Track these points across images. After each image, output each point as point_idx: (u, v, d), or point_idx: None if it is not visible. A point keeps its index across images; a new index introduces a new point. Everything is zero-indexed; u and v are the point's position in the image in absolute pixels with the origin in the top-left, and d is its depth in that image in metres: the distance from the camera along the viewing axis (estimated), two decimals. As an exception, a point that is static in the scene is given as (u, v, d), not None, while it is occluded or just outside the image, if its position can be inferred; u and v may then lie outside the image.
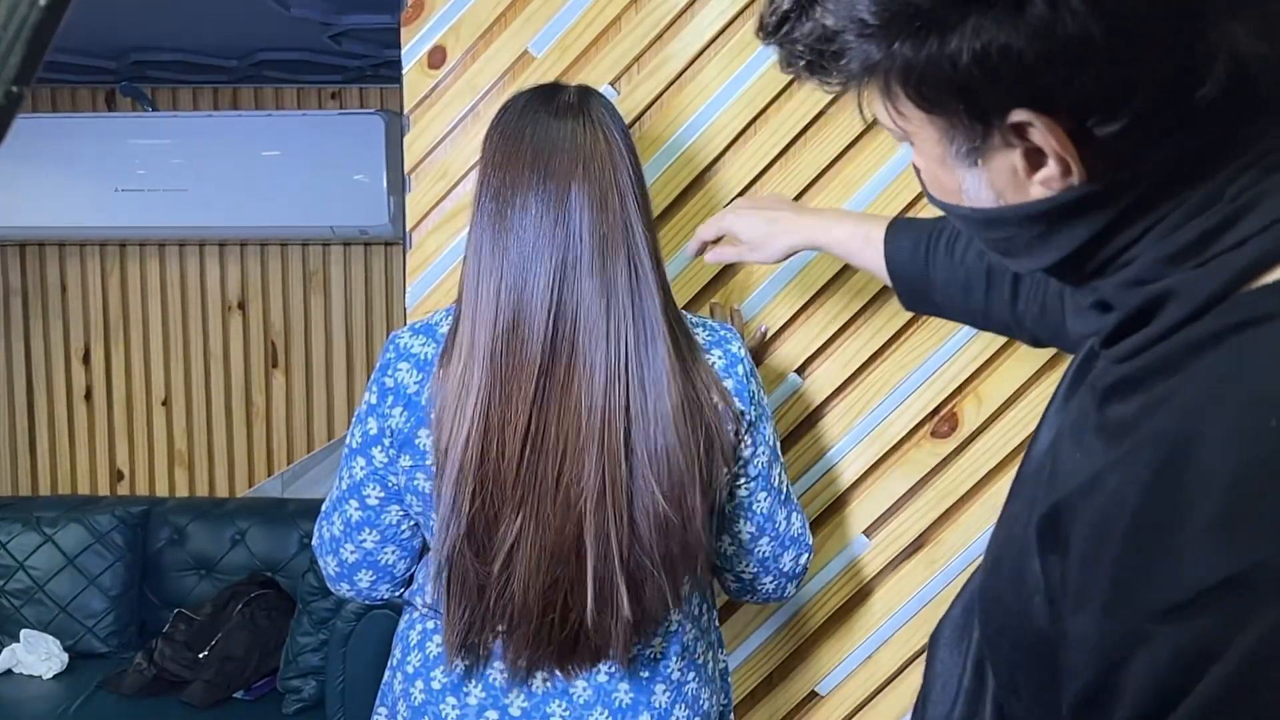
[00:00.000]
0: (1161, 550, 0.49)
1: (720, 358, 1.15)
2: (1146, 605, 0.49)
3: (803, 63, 0.58)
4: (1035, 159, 0.55)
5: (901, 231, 1.09)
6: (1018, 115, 0.52)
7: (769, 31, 0.59)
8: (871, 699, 1.53)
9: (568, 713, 1.13)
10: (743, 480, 1.16)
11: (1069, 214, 0.56)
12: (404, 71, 1.47)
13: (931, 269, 1.05)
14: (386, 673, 1.24)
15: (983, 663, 0.73)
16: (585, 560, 1.05)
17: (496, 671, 1.14)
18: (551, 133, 1.07)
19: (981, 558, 0.79)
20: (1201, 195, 0.53)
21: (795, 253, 1.13)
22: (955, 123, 0.55)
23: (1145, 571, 0.50)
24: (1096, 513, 0.54)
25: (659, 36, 1.44)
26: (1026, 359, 1.44)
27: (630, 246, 1.07)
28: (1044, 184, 0.55)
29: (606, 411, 1.04)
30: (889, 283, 1.12)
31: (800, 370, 1.48)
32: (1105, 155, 0.52)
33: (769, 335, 1.47)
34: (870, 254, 1.09)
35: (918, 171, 0.66)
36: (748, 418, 1.14)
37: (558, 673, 1.11)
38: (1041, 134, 0.52)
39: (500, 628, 1.09)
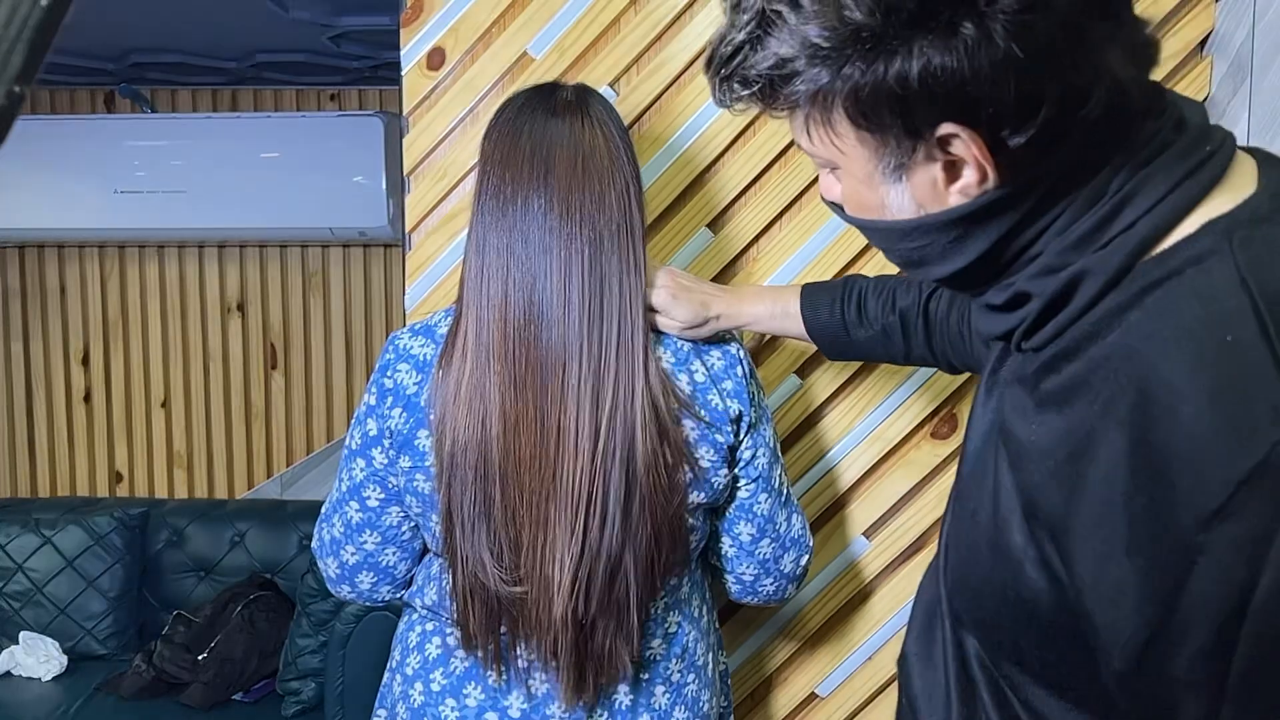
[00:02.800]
0: (1175, 474, 0.55)
1: (720, 359, 1.15)
2: (1185, 524, 0.55)
3: (754, 90, 0.65)
4: (953, 170, 0.63)
5: (814, 303, 1.17)
6: (945, 129, 0.60)
7: (723, 61, 0.65)
8: (872, 700, 1.53)
9: (567, 714, 1.13)
10: (743, 482, 1.16)
11: (983, 217, 0.64)
12: (403, 73, 1.47)
13: (850, 331, 1.14)
14: (386, 675, 1.24)
15: (966, 661, 0.77)
16: (607, 565, 1.05)
17: (497, 675, 1.13)
18: (550, 130, 1.07)
19: (930, 570, 0.86)
20: (1090, 191, 0.63)
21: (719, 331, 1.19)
22: (887, 139, 0.63)
23: (1166, 499, 0.56)
24: (1096, 470, 0.60)
25: (658, 38, 1.44)
26: (1026, 360, 1.43)
27: (630, 244, 1.07)
28: (962, 192, 0.64)
29: (616, 410, 1.04)
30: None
31: (800, 372, 1.48)
32: (1015, 163, 0.61)
33: (769, 336, 1.47)
34: (791, 325, 1.17)
35: (832, 205, 0.75)
36: (747, 419, 1.14)
37: (560, 686, 1.10)
38: (964, 145, 0.61)
39: (533, 643, 1.09)
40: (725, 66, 0.65)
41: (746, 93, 0.65)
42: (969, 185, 0.63)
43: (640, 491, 1.05)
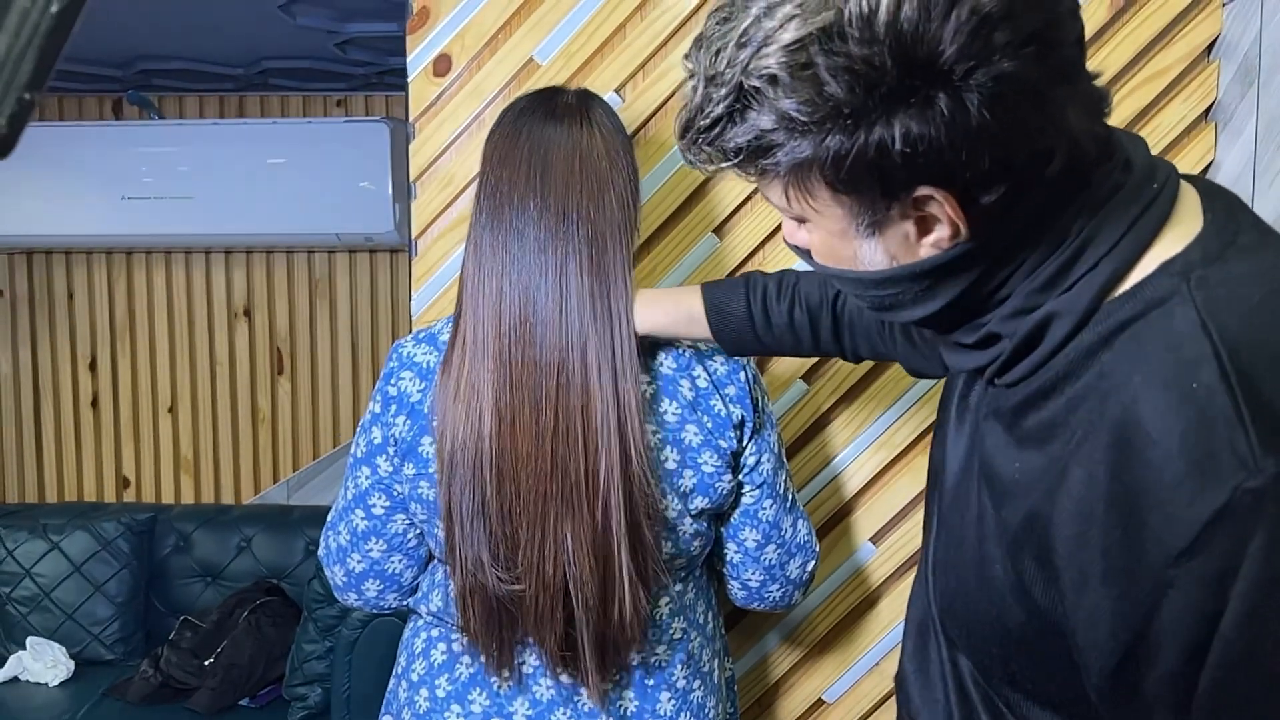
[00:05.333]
0: (1146, 513, 0.59)
1: (722, 364, 1.15)
2: (1156, 559, 0.59)
3: (733, 161, 0.65)
4: (925, 225, 0.66)
5: (719, 306, 1.13)
6: (922, 191, 0.62)
7: (700, 132, 0.66)
8: (878, 707, 1.52)
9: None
10: (748, 487, 1.16)
11: (954, 267, 0.67)
12: (409, 79, 1.48)
13: (758, 331, 1.12)
14: (391, 680, 1.24)
15: (962, 679, 0.80)
16: (611, 558, 1.05)
17: (501, 679, 1.13)
18: (549, 132, 1.08)
19: (915, 590, 0.88)
20: (1052, 237, 0.66)
21: None
22: (864, 201, 0.65)
23: (1137, 536, 0.60)
24: (1072, 503, 0.64)
25: (663, 44, 1.44)
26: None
27: (626, 245, 1.08)
28: (934, 245, 0.66)
29: (616, 408, 1.04)
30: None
31: (805, 377, 1.48)
32: (985, 217, 0.64)
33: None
34: (696, 329, 1.13)
35: (796, 249, 0.76)
36: (750, 424, 1.14)
37: (583, 682, 1.11)
38: (939, 205, 0.63)
39: (531, 641, 1.09)
40: (703, 137, 0.66)
41: (726, 164, 0.67)
42: (941, 239, 0.65)
43: (638, 490, 1.05)
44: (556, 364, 1.04)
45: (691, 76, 0.67)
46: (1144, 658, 0.61)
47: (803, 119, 0.60)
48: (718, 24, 0.64)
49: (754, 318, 1.12)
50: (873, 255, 0.69)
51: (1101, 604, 0.62)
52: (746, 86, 0.62)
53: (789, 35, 0.59)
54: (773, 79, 0.60)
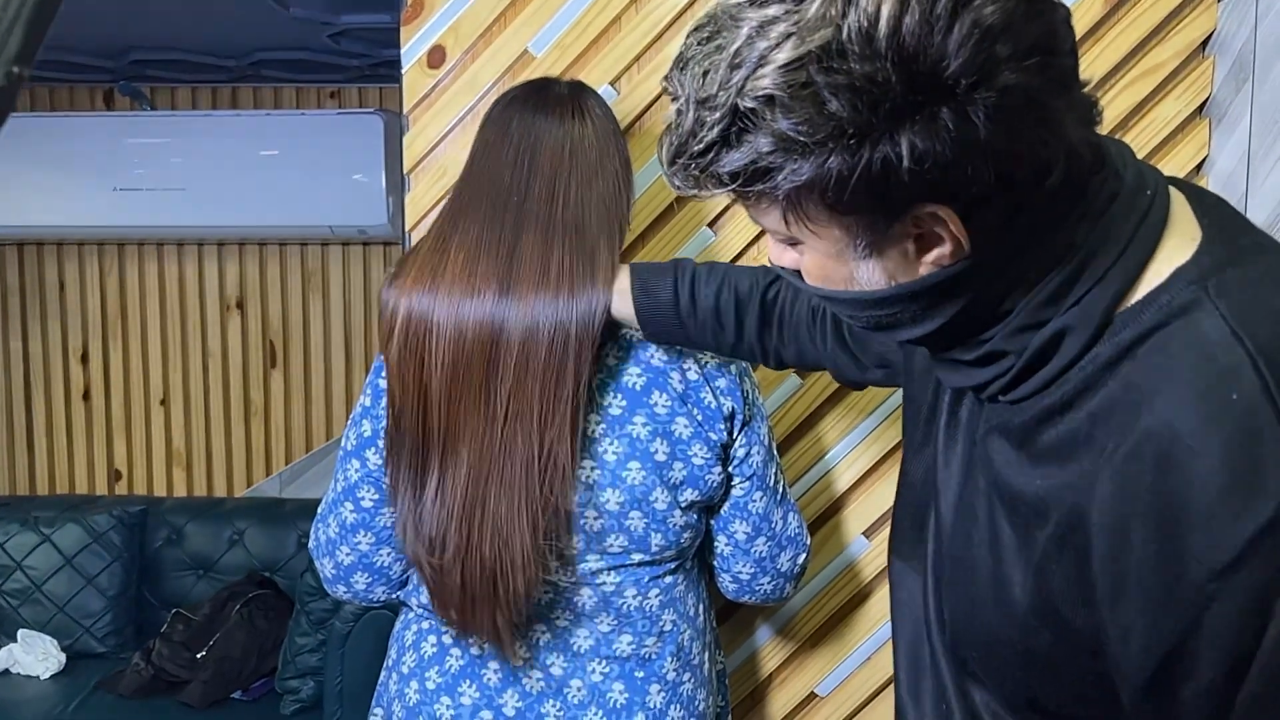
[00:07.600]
0: (1187, 528, 0.58)
1: (713, 356, 1.15)
2: (1198, 574, 0.58)
3: (730, 186, 0.63)
4: (925, 242, 0.64)
5: (647, 283, 1.09)
6: (924, 208, 0.61)
7: (693, 157, 0.63)
8: (871, 700, 1.52)
9: (561, 712, 1.12)
10: (737, 480, 1.16)
11: (955, 284, 0.65)
12: (403, 71, 1.47)
13: (683, 314, 1.08)
14: (382, 673, 1.24)
15: (970, 704, 0.78)
16: (538, 536, 1.06)
17: (491, 672, 1.13)
18: (540, 122, 1.08)
19: (916, 618, 0.84)
20: (1054, 250, 0.64)
21: None
22: (863, 221, 0.63)
23: (1176, 550, 0.58)
24: (1106, 516, 0.62)
25: (659, 36, 1.44)
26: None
27: (613, 235, 1.08)
28: (934, 263, 0.65)
29: (576, 394, 1.04)
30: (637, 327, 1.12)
31: (799, 372, 1.48)
32: (987, 232, 0.63)
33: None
34: (621, 303, 1.09)
35: (781, 269, 0.74)
36: (740, 417, 1.14)
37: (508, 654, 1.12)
38: (941, 222, 0.62)
39: (454, 615, 1.09)
40: (696, 163, 0.63)
41: (720, 190, 0.63)
42: (942, 256, 0.64)
43: (571, 473, 1.05)
44: (520, 345, 1.04)
45: (676, 99, 0.63)
46: (1181, 671, 0.60)
47: (803, 139, 0.58)
48: (700, 44, 0.62)
49: (679, 298, 1.08)
50: (871, 275, 0.67)
51: (1138, 617, 0.61)
52: (742, 108, 0.59)
53: (785, 55, 0.57)
54: (770, 99, 0.58)
